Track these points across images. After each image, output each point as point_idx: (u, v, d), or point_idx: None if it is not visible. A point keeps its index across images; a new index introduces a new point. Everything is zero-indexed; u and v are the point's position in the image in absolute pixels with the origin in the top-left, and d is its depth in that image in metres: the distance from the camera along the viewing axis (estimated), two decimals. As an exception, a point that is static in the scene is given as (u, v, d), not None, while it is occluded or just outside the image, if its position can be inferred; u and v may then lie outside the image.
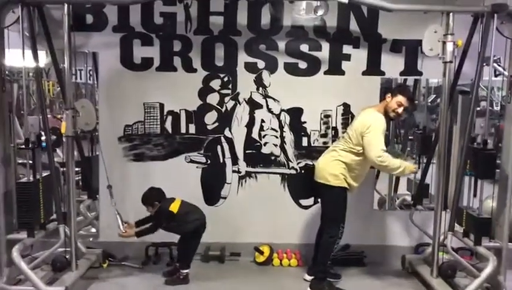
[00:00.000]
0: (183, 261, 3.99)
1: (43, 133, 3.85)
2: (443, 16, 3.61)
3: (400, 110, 3.74)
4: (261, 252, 4.45)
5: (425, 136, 4.95)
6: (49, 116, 6.16)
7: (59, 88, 4.44)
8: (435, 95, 6.65)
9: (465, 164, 3.75)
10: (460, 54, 3.87)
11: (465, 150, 3.74)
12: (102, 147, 4.33)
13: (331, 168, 3.78)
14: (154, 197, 3.89)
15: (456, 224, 3.83)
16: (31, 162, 3.73)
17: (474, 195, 3.80)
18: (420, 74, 4.40)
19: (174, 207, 3.87)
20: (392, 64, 4.38)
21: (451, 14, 3.58)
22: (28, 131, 3.75)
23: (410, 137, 5.48)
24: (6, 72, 3.84)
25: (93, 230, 4.69)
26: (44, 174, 3.82)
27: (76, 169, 4.33)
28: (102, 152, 4.31)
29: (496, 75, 5.43)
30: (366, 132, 3.62)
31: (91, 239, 4.61)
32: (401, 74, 4.44)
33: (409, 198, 5.08)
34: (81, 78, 5.78)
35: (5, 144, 3.72)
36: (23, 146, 3.75)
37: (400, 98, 3.73)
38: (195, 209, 4.00)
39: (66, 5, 3.61)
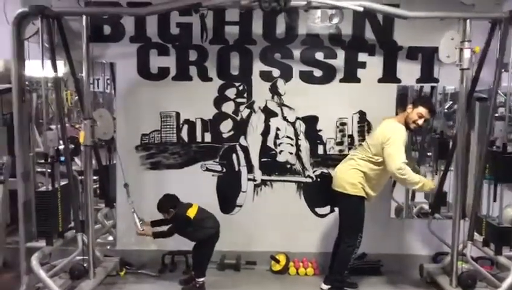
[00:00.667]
0: (198, 269, 4.00)
1: (61, 142, 3.90)
2: (460, 23, 3.58)
3: (421, 121, 3.71)
4: (277, 261, 4.44)
5: (443, 141, 4.89)
6: (67, 125, 6.28)
7: (77, 97, 4.51)
8: (451, 102, 6.56)
9: (484, 169, 3.70)
10: (477, 60, 3.83)
11: (484, 154, 3.69)
12: (120, 155, 4.36)
13: (349, 176, 3.76)
14: (169, 203, 3.92)
15: (475, 233, 3.77)
16: (49, 170, 3.78)
17: (494, 200, 3.72)
18: (437, 81, 4.37)
19: (191, 212, 3.89)
20: (408, 72, 4.36)
21: (468, 20, 3.55)
22: (47, 145, 3.79)
23: (425, 144, 5.41)
24: (26, 82, 3.91)
25: (111, 238, 4.73)
26: (63, 182, 3.87)
27: (94, 178, 4.38)
28: (119, 157, 4.33)
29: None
30: (387, 143, 3.59)
31: (108, 247, 4.66)
32: (418, 81, 4.41)
33: (426, 206, 4.99)
34: (98, 88, 5.86)
35: (24, 154, 3.78)
36: (43, 161, 3.80)
37: (421, 110, 3.70)
38: (211, 216, 4.01)
39: (84, 17, 3.69)
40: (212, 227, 3.96)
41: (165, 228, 4.01)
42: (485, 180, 3.76)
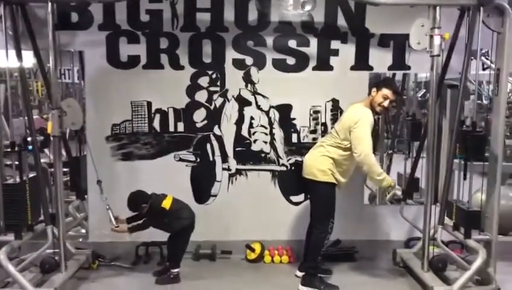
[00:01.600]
0: (173, 260, 3.97)
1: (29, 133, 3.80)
2: (430, 10, 3.59)
3: (386, 103, 3.72)
4: (253, 250, 4.44)
5: (415, 122, 4.96)
6: (37, 116, 6.14)
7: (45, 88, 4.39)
8: (425, 90, 6.66)
9: (455, 151, 3.74)
10: (447, 47, 3.87)
11: (455, 133, 3.73)
12: (90, 146, 4.28)
13: (318, 163, 3.77)
14: (140, 200, 3.85)
15: (446, 217, 3.84)
16: (17, 163, 3.68)
17: (464, 178, 3.77)
18: (408, 68, 4.40)
19: (167, 204, 3.85)
20: (380, 59, 4.38)
21: (437, 7, 3.55)
22: (14, 133, 3.69)
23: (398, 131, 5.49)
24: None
25: (83, 231, 4.64)
26: (32, 175, 3.77)
27: (65, 169, 4.29)
28: (90, 149, 4.26)
29: (483, 69, 5.44)
30: (354, 126, 3.61)
31: (80, 240, 4.57)
32: (390, 68, 4.44)
33: (399, 192, 5.07)
34: (69, 78, 5.74)
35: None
36: (9, 149, 3.70)
37: (385, 91, 3.71)
38: (186, 207, 3.98)
39: (49, 4, 3.54)
40: (187, 218, 3.93)
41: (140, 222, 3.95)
42: (455, 160, 3.81)
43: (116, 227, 3.89)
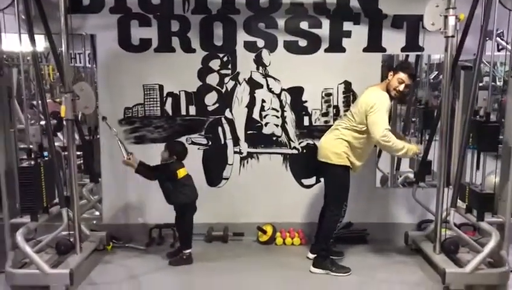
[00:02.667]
0: (184, 241, 4.03)
1: (42, 117, 3.84)
2: (444, -11, 3.54)
3: (402, 87, 3.68)
4: (264, 232, 4.47)
5: (428, 111, 4.92)
6: (49, 100, 6.18)
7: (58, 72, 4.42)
8: (437, 72, 6.58)
9: (468, 138, 3.73)
10: (462, 28, 3.81)
11: (468, 123, 3.71)
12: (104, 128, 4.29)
13: (333, 146, 3.76)
14: (179, 150, 3.95)
15: (458, 200, 3.83)
16: (32, 146, 3.73)
17: (477, 168, 3.77)
18: (422, 49, 4.33)
19: (181, 173, 3.89)
20: (393, 41, 4.32)
21: (452, -13, 3.50)
22: (30, 141, 3.73)
23: (413, 118, 5.45)
24: (5, 56, 3.81)
25: (97, 213, 4.71)
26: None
27: (78, 153, 4.33)
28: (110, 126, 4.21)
29: (498, 50, 5.35)
30: (371, 110, 3.57)
31: (94, 222, 4.64)
32: (403, 50, 4.38)
33: (411, 175, 5.06)
34: (80, 62, 5.75)
35: (5, 129, 3.71)
36: (26, 157, 3.76)
37: (401, 75, 3.67)
38: (192, 186, 3.99)
39: (61, -14, 3.55)
40: (188, 195, 3.94)
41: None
42: (468, 149, 3.79)
43: (128, 158, 3.89)
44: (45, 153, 3.81)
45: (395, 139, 3.59)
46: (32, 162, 3.68)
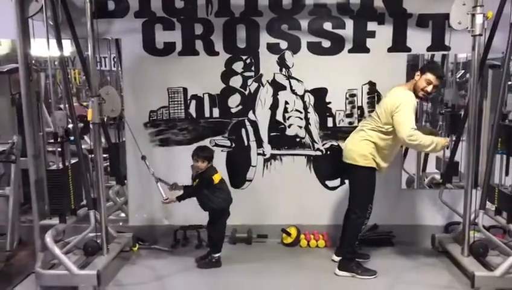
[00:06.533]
0: (213, 245, 4.04)
1: (70, 121, 3.91)
2: (472, -13, 3.47)
3: (430, 88, 3.62)
4: (288, 234, 4.46)
5: (455, 114, 4.83)
6: (76, 104, 6.29)
7: (85, 76, 4.50)
8: (463, 71, 6.45)
9: (496, 142, 3.65)
10: (490, 26, 3.73)
11: (496, 127, 3.63)
12: (130, 130, 4.36)
13: (359, 148, 3.72)
14: (211, 154, 3.96)
15: (487, 202, 3.74)
16: (60, 149, 3.81)
17: (506, 174, 3.69)
18: (448, 48, 4.24)
19: (216, 177, 3.90)
20: (419, 40, 4.26)
21: (480, -16, 3.43)
22: (56, 125, 3.80)
23: (440, 115, 5.34)
24: (33, 61, 3.91)
25: (123, 215, 4.77)
26: (73, 161, 3.89)
27: (105, 156, 4.40)
28: (130, 128, 4.34)
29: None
30: (396, 110, 3.53)
31: (121, 224, 4.70)
32: (428, 49, 4.31)
33: (438, 176, 4.97)
34: (105, 66, 5.84)
35: (34, 133, 3.80)
36: (52, 140, 3.82)
37: (429, 76, 3.61)
38: (227, 191, 4.02)
39: (87, -7, 3.62)
40: (224, 200, 3.96)
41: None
42: (497, 154, 3.71)
43: (165, 200, 3.96)
44: (71, 138, 3.86)
45: (422, 136, 3.52)
46: (60, 165, 3.76)
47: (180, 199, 3.95)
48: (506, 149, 3.65)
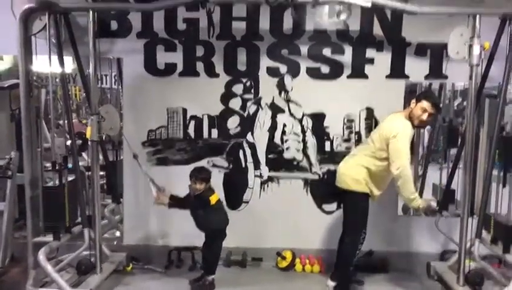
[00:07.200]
0: (208, 267, 4.01)
1: (68, 137, 3.93)
2: (469, 19, 3.52)
3: (425, 116, 3.64)
4: (284, 258, 4.43)
5: (452, 128, 4.88)
6: (75, 120, 6.33)
7: (85, 93, 4.53)
8: (461, 99, 6.52)
9: (493, 161, 3.67)
10: (487, 56, 3.78)
11: (495, 140, 3.64)
12: (128, 146, 4.35)
13: (353, 173, 3.74)
14: (209, 176, 3.93)
15: (483, 231, 3.74)
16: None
17: (503, 186, 3.67)
18: (445, 77, 4.30)
19: (213, 198, 3.88)
20: (417, 68, 4.31)
21: (477, 16, 3.49)
22: (55, 153, 3.82)
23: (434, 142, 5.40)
24: (34, 77, 3.94)
25: (118, 233, 4.75)
26: (70, 178, 3.89)
27: (101, 173, 4.40)
28: (129, 144, 4.34)
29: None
30: (393, 139, 3.54)
31: (115, 242, 4.67)
32: (426, 77, 4.36)
33: (434, 204, 4.96)
34: (106, 84, 5.90)
35: (32, 148, 3.80)
36: (50, 168, 3.84)
37: (425, 104, 3.63)
38: (224, 212, 4.02)
39: (91, 12, 3.67)
40: (221, 222, 3.95)
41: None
42: (495, 166, 3.72)
43: (157, 199, 3.92)
44: (69, 165, 3.86)
45: (410, 179, 3.53)
46: (57, 182, 3.75)
47: (170, 205, 3.90)
48: (503, 160, 3.67)
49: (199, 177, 3.86)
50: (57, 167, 3.74)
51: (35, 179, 3.81)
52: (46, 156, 4.17)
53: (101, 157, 4.34)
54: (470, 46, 3.49)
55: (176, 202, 3.90)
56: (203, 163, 4.47)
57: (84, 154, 5.30)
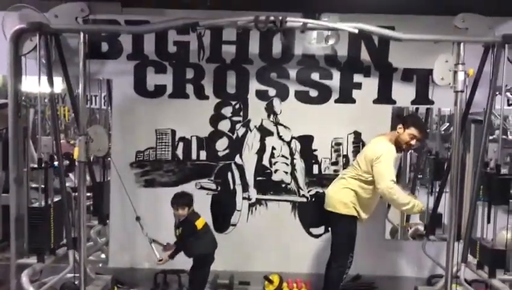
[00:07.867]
0: (195, 290, 3.96)
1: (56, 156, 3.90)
2: (454, 46, 3.61)
3: (413, 142, 3.72)
4: (271, 282, 4.39)
5: (438, 161, 4.92)
6: (63, 141, 6.28)
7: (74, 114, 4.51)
8: (448, 124, 6.62)
9: (478, 190, 3.71)
10: (471, 82, 3.86)
11: (478, 175, 3.70)
12: (117, 173, 4.34)
13: (341, 196, 3.76)
14: (190, 199, 3.89)
15: (469, 255, 3.75)
16: (43, 186, 3.77)
17: (488, 221, 3.72)
18: (431, 102, 4.37)
19: (199, 223, 3.85)
20: (403, 93, 4.37)
21: (462, 44, 3.58)
22: (41, 151, 3.79)
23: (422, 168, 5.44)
24: (23, 97, 3.93)
25: (103, 256, 4.68)
26: (56, 198, 3.85)
27: (88, 194, 4.36)
28: (116, 167, 4.33)
29: (508, 104, 5.40)
30: (377, 161, 3.59)
31: (100, 265, 4.60)
32: (413, 102, 4.43)
33: (421, 228, 4.99)
34: (95, 104, 5.89)
35: (18, 168, 3.78)
36: (36, 166, 3.80)
37: (413, 131, 3.71)
38: (212, 236, 3.98)
39: (81, 34, 3.69)
40: (209, 246, 3.92)
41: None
42: (478, 201, 3.76)
43: (159, 261, 3.90)
44: (55, 163, 3.83)
45: (401, 192, 3.59)
46: (43, 203, 3.71)
47: (172, 256, 3.89)
48: (487, 196, 3.70)
49: (180, 203, 3.85)
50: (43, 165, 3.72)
51: (21, 200, 3.77)
52: (33, 176, 4.12)
53: (88, 178, 4.31)
54: (455, 73, 3.57)
55: (174, 252, 3.88)
56: (191, 185, 4.46)
57: (71, 175, 5.26)
